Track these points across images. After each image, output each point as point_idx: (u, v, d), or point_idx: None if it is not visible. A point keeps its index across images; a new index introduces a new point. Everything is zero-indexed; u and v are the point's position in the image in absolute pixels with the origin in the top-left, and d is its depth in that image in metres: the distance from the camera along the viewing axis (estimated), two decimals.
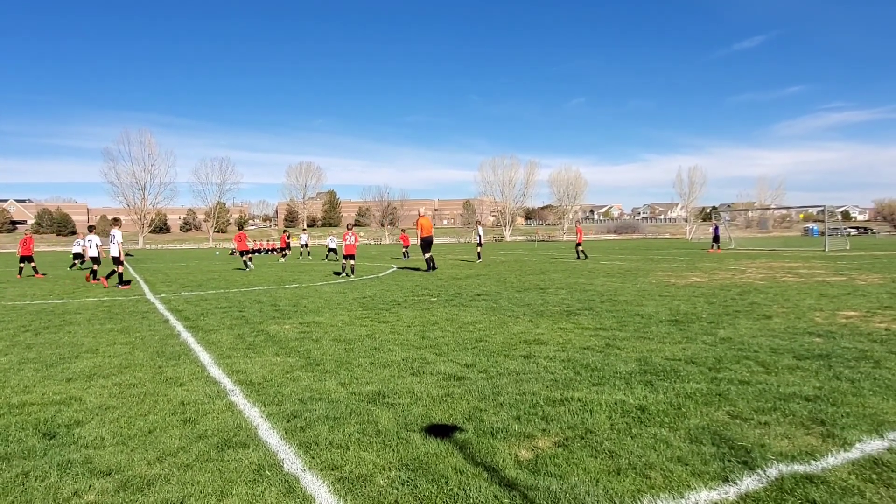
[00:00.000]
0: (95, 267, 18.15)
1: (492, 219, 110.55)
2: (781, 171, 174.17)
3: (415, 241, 24.28)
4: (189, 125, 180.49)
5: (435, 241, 20.23)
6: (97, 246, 18.38)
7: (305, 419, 4.14)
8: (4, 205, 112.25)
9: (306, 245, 36.68)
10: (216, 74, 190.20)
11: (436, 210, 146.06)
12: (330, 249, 33.94)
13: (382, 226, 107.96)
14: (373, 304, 10.68)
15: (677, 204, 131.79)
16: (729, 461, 3.27)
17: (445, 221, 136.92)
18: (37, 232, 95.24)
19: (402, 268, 22.28)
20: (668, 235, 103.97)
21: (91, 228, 19.25)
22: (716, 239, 32.92)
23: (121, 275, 15.88)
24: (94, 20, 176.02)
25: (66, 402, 4.69)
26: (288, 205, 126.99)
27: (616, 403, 4.31)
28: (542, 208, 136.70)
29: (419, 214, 20.88)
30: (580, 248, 27.21)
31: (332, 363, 5.90)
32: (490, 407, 4.32)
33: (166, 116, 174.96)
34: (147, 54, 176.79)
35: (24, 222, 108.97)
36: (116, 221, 16.64)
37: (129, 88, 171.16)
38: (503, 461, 3.33)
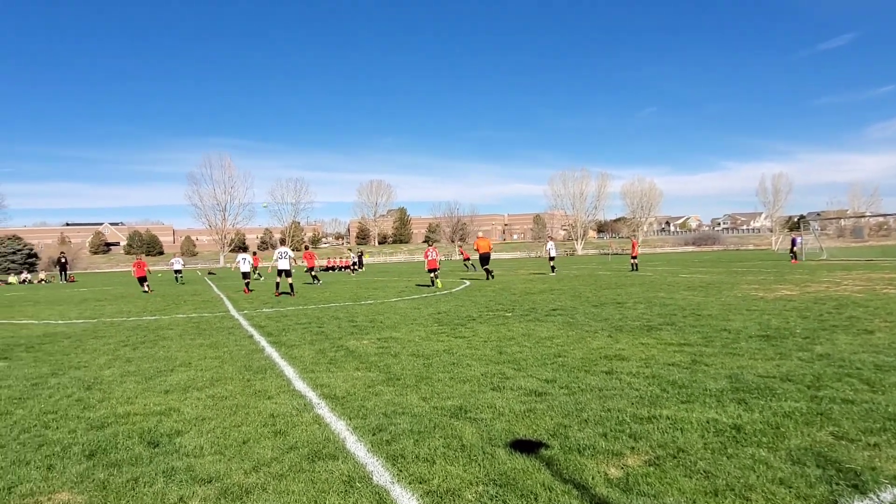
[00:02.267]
0: (288, 280, 19.07)
1: (563, 232, 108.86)
2: (875, 176, 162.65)
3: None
4: (265, 148, 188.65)
5: (506, 256, 23.99)
6: (290, 258, 19.77)
7: (391, 433, 4.20)
8: (100, 228, 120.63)
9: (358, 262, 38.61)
10: (289, 97, 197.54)
11: (506, 225, 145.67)
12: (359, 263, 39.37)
13: (453, 241, 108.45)
14: (448, 320, 10.74)
15: (761, 213, 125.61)
16: (837, 484, 3.07)
17: (516, 236, 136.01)
18: (128, 253, 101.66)
19: (471, 279, 22.86)
20: (751, 246, 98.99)
21: (282, 241, 20.53)
22: (793, 250, 32.41)
23: (291, 285, 19.07)
24: (173, 59, 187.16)
25: (166, 413, 4.98)
26: (359, 222, 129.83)
27: (708, 422, 4.14)
28: (615, 221, 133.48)
29: (478, 237, 26.38)
30: (635, 260, 29.49)
31: (413, 378, 5.97)
32: (574, 423, 4.25)
33: (244, 140, 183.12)
34: (225, 83, 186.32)
35: (117, 244, 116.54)
36: (283, 241, 17.87)
37: (210, 115, 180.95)
38: (592, 479, 3.26)
